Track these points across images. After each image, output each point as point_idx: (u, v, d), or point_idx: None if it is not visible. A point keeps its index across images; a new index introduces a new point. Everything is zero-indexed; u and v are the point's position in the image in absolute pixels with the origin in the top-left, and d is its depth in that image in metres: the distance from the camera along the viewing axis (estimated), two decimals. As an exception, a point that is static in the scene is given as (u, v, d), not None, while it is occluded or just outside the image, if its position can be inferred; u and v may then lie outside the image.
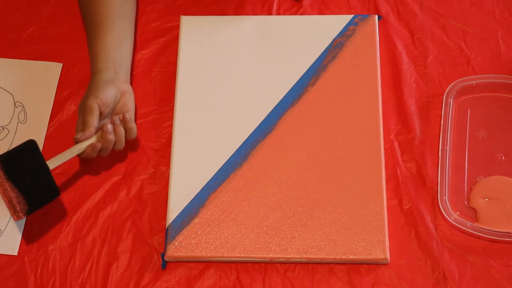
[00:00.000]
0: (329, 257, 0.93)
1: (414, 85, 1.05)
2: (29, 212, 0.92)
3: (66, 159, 0.94)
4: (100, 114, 0.96)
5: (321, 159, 0.98)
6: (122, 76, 1.01)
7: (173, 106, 1.03)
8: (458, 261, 0.94)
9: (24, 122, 1.04)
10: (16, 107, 1.05)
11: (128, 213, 0.98)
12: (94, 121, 0.95)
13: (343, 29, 1.06)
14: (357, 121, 1.00)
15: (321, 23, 1.07)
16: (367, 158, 0.98)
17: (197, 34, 1.07)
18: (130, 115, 0.98)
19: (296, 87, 1.03)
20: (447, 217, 0.95)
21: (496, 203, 0.96)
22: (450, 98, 1.02)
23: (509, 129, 1.01)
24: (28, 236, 0.97)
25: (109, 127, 0.96)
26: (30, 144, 0.92)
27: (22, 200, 0.91)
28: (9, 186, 0.90)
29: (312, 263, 0.94)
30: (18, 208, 0.91)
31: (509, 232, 0.94)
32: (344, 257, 0.93)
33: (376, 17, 1.08)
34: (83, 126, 0.95)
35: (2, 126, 1.04)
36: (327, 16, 1.09)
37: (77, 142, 0.95)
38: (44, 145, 1.03)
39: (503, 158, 0.99)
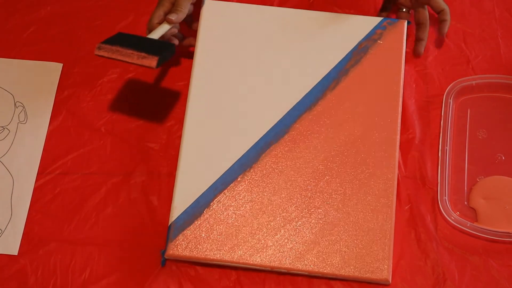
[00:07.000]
0: (330, 272, 0.91)
1: (414, 85, 1.05)
2: (160, 61, 0.92)
3: (162, 33, 0.98)
4: None
5: (332, 169, 0.95)
6: None
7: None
8: (458, 261, 0.94)
9: (24, 122, 1.04)
10: (16, 107, 1.05)
11: (128, 213, 0.98)
12: (187, 6, 0.99)
13: (370, 32, 1.01)
14: (374, 133, 0.96)
15: (349, 22, 1.02)
16: (380, 176, 0.94)
17: (218, 21, 1.02)
18: None
19: (315, 90, 0.98)
20: (447, 217, 0.95)
21: (496, 203, 0.96)
22: (450, 98, 1.02)
23: (509, 129, 1.01)
24: (28, 236, 0.97)
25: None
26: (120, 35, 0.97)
27: (146, 54, 0.92)
28: (121, 49, 0.92)
29: (312, 277, 0.93)
30: (149, 57, 0.92)
31: (508, 232, 0.94)
32: (344, 274, 0.91)
33: (406, 22, 1.02)
34: (175, 8, 0.99)
35: (2, 126, 1.04)
36: (356, 16, 1.03)
37: (169, 23, 0.98)
38: (44, 145, 1.03)
39: (503, 158, 0.99)
